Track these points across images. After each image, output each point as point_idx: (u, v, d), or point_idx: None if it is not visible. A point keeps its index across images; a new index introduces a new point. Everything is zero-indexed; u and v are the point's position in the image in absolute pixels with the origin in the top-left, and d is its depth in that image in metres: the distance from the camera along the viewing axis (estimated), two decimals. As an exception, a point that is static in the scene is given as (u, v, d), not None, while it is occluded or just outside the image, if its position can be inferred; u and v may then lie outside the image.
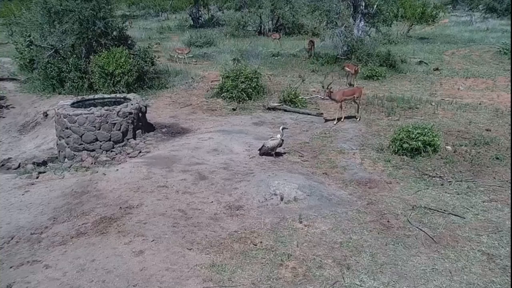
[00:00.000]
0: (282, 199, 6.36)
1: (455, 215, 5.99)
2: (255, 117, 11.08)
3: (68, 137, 9.10)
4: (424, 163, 7.83)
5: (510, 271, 4.74)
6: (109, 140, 9.19)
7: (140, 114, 9.81)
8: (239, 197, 6.47)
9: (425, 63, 17.84)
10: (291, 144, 8.87)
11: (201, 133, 9.76)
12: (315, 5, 18.56)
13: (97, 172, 7.50)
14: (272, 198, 6.38)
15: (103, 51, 13.70)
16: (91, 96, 10.85)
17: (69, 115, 9.05)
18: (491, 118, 10.57)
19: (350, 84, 13.82)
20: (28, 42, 14.36)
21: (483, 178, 7.22)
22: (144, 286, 4.52)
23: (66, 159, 9.14)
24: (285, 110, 11.58)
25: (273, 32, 27.50)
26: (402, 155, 8.12)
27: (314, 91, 13.21)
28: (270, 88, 13.60)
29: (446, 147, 8.50)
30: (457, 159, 7.99)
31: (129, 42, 15.73)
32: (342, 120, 10.46)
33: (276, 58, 19.25)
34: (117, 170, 7.52)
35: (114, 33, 15.22)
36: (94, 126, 9.03)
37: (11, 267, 4.89)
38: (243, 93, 12.48)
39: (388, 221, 5.84)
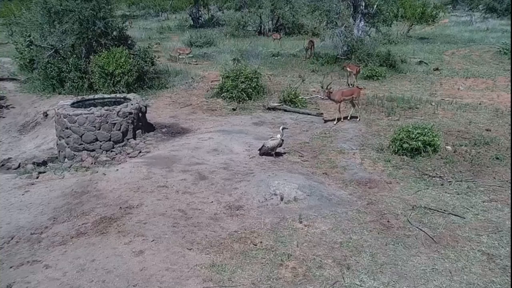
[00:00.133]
0: (282, 199, 6.36)
1: (455, 215, 5.99)
2: (255, 117, 11.08)
3: (68, 137, 9.10)
4: (424, 163, 7.83)
5: (510, 271, 4.74)
6: (109, 140, 9.19)
7: (140, 114, 9.82)
8: (239, 197, 6.47)
9: (425, 63, 17.84)
10: (291, 144, 8.87)
11: (201, 133, 9.76)
12: (315, 5, 18.57)
13: (97, 172, 7.50)
14: (272, 198, 6.38)
15: (103, 51, 13.71)
16: (91, 96, 10.85)
17: (69, 115, 9.05)
18: (491, 118, 10.57)
19: (351, 85, 13.82)
20: (28, 42, 14.37)
21: (483, 178, 7.22)
22: (144, 286, 4.52)
23: (66, 159, 9.14)
24: (285, 110, 11.58)
25: (274, 32, 27.51)
26: (402, 155, 8.12)
27: (314, 91, 13.21)
28: (270, 88, 13.60)
29: (446, 147, 8.50)
30: (457, 159, 7.99)
31: (129, 42, 15.74)
32: (342, 120, 10.47)
33: (276, 58, 19.26)
34: (117, 170, 7.52)
35: (114, 33, 15.22)
36: (94, 126, 9.03)
37: (11, 267, 4.89)
38: (243, 93, 12.48)
39: (388, 221, 5.84)
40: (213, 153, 8.32)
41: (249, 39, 25.75)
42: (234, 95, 12.44)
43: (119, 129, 9.28)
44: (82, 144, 9.08)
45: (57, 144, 9.52)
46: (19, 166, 8.92)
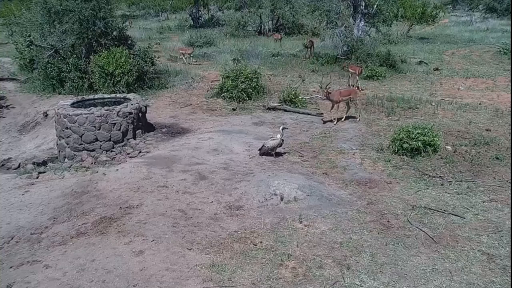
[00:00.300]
0: (282, 199, 6.36)
1: (455, 215, 5.99)
2: (255, 117, 11.08)
3: (68, 137, 9.10)
4: (424, 163, 7.83)
5: (510, 271, 4.75)
6: (109, 140, 9.19)
7: (140, 114, 9.82)
8: (239, 197, 6.47)
9: (425, 63, 17.84)
10: (291, 144, 8.87)
11: (201, 133, 9.76)
12: (315, 5, 18.57)
13: (97, 172, 7.50)
14: (272, 198, 6.38)
15: (103, 51, 13.71)
16: (91, 96, 10.85)
17: (69, 115, 9.05)
18: (491, 118, 10.58)
19: (352, 86, 13.81)
20: (28, 42, 14.37)
21: (483, 178, 7.22)
22: (144, 286, 4.52)
23: (66, 159, 9.14)
24: (285, 110, 11.58)
25: (274, 32, 27.51)
26: (402, 155, 8.12)
27: (314, 91, 13.21)
28: (270, 88, 13.60)
29: (446, 147, 8.50)
30: (457, 159, 7.99)
31: (129, 42, 15.74)
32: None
33: (276, 58, 19.26)
34: (117, 170, 7.52)
35: (114, 33, 15.22)
36: (94, 126, 9.03)
37: (11, 267, 4.89)
38: (243, 93, 12.48)
39: (388, 221, 5.84)
40: (213, 153, 8.32)
41: (249, 39, 25.74)
42: (234, 95, 12.44)
43: (119, 129, 9.28)
44: (82, 144, 9.08)
45: (57, 144, 9.52)
46: (19, 166, 8.92)
